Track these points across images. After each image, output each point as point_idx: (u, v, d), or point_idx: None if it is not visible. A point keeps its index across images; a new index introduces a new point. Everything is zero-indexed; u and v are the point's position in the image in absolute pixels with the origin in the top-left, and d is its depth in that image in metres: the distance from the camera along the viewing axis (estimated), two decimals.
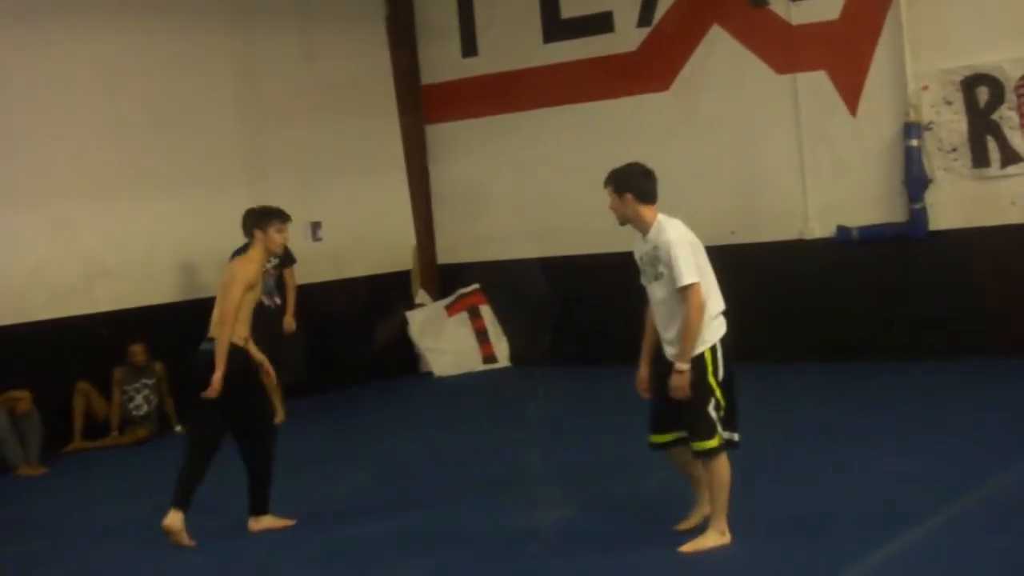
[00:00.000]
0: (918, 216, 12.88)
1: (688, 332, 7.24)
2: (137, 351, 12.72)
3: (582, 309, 15.02)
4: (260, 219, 8.85)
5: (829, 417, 10.86)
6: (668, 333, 7.40)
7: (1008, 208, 12.52)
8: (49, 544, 9.00)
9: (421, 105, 16.23)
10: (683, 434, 7.45)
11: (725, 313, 7.49)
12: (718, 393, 7.32)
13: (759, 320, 12.99)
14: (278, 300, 12.92)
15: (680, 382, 7.23)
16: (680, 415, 7.37)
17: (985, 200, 12.63)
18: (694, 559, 7.22)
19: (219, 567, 8.16)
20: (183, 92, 13.78)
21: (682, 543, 7.38)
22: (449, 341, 15.56)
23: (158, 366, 12.78)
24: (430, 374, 15.45)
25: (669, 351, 7.40)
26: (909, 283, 13.11)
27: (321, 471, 10.57)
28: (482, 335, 15.63)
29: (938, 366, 12.48)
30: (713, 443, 7.26)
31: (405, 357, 15.48)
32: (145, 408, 12.70)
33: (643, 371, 7.68)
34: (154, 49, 13.60)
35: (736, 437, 7.44)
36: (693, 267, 7.32)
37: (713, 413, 7.28)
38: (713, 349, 7.33)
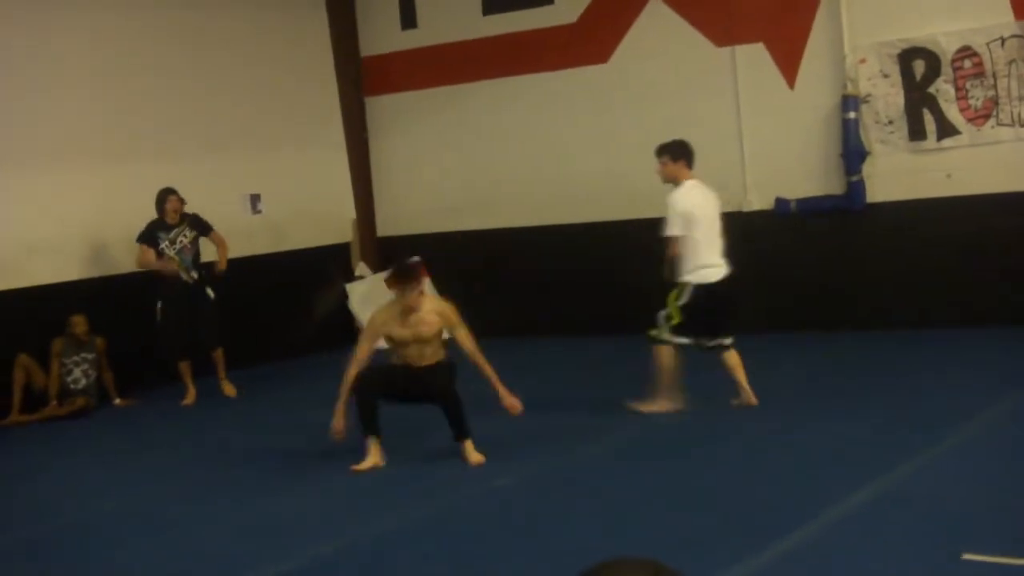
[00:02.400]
0: (855, 188, 12.98)
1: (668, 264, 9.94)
2: (79, 322, 12.60)
3: (522, 281, 15.06)
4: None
5: (765, 385, 10.92)
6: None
7: (944, 180, 12.64)
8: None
9: (360, 77, 16.17)
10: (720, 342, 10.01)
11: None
12: (673, 311, 9.86)
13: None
14: (195, 274, 12.85)
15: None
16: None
17: (921, 172, 12.75)
18: None
19: None
20: (122, 64, 13.67)
21: None
22: None
23: (98, 340, 12.68)
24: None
25: None
26: (847, 254, 13.22)
27: (251, 442, 10.57)
28: None
29: (873, 336, 12.62)
30: (652, 332, 9.96)
31: (345, 330, 15.45)
32: (83, 382, 12.58)
33: None
34: (95, 20, 13.48)
35: (686, 341, 9.97)
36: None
37: (661, 319, 9.89)
38: (686, 285, 9.84)
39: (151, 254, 12.79)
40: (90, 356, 12.68)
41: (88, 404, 12.50)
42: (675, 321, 9.90)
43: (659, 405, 10.06)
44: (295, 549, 7.52)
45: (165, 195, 12.89)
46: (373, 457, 9.19)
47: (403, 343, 9.28)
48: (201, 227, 12.99)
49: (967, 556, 6.27)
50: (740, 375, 10.01)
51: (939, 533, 6.71)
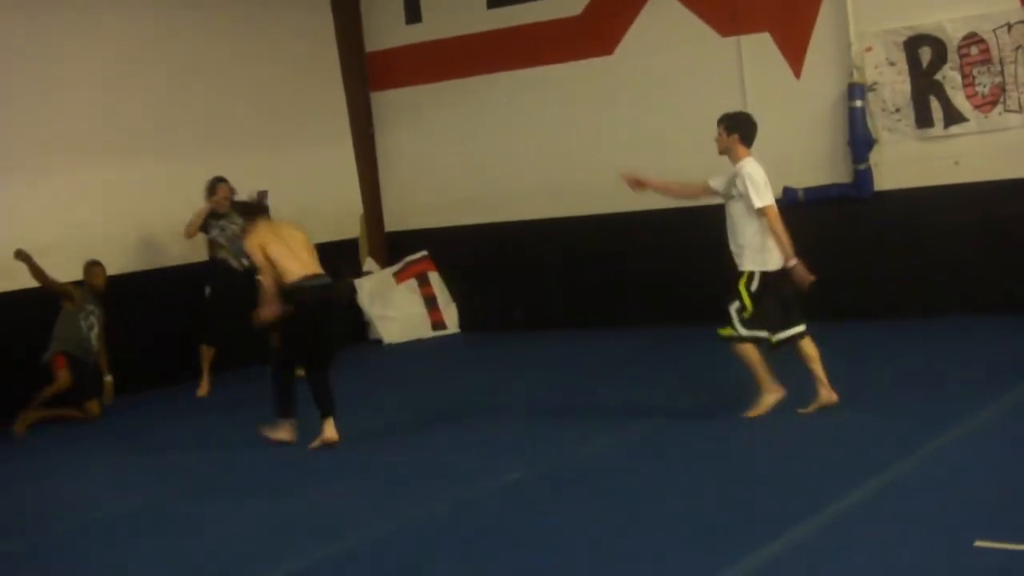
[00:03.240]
0: (863, 177, 12.95)
1: (779, 237, 9.39)
2: (99, 273, 12.56)
3: (529, 274, 15.06)
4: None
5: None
6: (733, 244, 9.46)
7: (951, 168, 12.60)
8: None
9: (366, 72, 16.16)
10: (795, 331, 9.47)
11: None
12: (746, 300, 9.29)
13: (706, 282, 13.05)
14: (245, 263, 12.81)
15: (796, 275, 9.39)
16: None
17: (929, 160, 12.71)
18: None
19: None
20: (126, 62, 13.66)
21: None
22: (398, 308, 15.55)
23: (99, 308, 12.60)
24: (379, 341, 15.44)
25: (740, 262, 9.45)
26: (854, 243, 13.19)
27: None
28: (431, 302, 15.63)
29: (882, 325, 12.60)
30: (726, 332, 9.35)
31: (354, 325, 15.45)
32: (94, 342, 12.44)
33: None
34: (98, 19, 13.49)
35: (764, 334, 9.42)
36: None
37: (734, 313, 9.31)
38: (754, 272, 9.34)
39: (195, 226, 13.11)
40: (99, 312, 12.53)
41: (100, 409, 12.42)
42: (748, 313, 9.35)
43: (769, 399, 9.49)
44: (307, 547, 7.52)
45: (215, 183, 13.17)
46: (285, 432, 10.10)
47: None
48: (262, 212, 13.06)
49: (980, 543, 6.26)
50: (818, 367, 9.45)
51: (951, 521, 6.70)
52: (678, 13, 13.88)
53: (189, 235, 13.18)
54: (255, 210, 10.86)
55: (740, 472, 8.18)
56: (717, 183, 9.61)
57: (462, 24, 15.35)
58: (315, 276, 10.12)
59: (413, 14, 15.72)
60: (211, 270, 13.23)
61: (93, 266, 12.58)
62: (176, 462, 10.28)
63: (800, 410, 9.37)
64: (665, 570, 6.55)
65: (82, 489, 9.80)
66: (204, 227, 13.14)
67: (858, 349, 11.83)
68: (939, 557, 6.23)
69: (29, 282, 12.23)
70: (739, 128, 9.53)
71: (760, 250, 9.37)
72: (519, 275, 15.15)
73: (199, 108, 14.29)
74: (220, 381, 13.07)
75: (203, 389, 13.01)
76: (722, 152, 9.62)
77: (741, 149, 9.51)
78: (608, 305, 14.42)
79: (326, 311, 10.14)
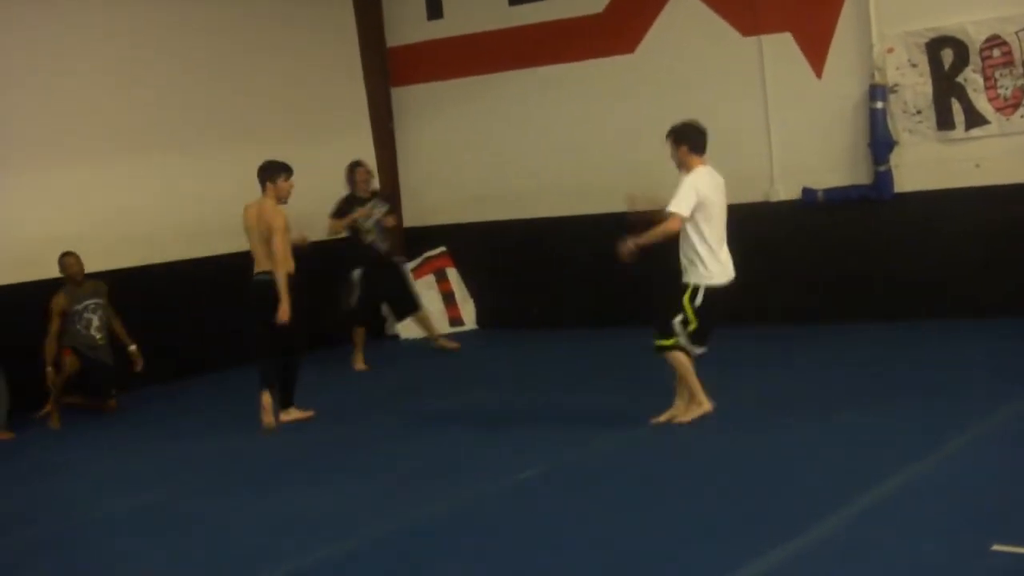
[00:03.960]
0: (883, 178, 12.91)
1: (651, 234, 9.31)
2: (72, 262, 12.26)
3: (547, 271, 15.05)
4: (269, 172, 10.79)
5: (794, 379, 10.91)
6: (681, 256, 9.44)
7: (972, 170, 12.56)
8: None
9: (386, 68, 16.17)
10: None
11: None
12: (690, 314, 9.24)
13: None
14: (386, 246, 13.66)
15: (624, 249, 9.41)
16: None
17: (949, 162, 12.67)
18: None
19: None
20: (146, 57, 13.71)
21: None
22: None
23: (99, 284, 12.48)
24: (396, 337, 15.44)
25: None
26: (874, 245, 13.15)
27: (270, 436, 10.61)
28: (449, 298, 15.64)
29: (902, 328, 12.57)
30: (666, 342, 9.29)
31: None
32: (103, 333, 12.33)
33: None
34: (118, 13, 13.52)
35: (702, 351, 9.43)
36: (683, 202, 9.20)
37: (678, 326, 9.25)
38: (699, 286, 9.26)
39: (338, 223, 13.53)
40: (100, 300, 12.36)
41: (116, 403, 12.43)
42: (693, 327, 9.28)
43: (698, 411, 9.46)
44: (315, 544, 7.52)
45: (353, 167, 13.72)
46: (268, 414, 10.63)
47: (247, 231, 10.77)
48: (388, 205, 13.73)
49: (996, 547, 6.23)
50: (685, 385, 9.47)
51: (967, 524, 6.68)
52: (700, 12, 13.86)
53: (334, 231, 13.66)
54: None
55: (746, 475, 8.12)
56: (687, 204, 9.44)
57: (483, 20, 15.35)
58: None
59: (435, 10, 15.72)
60: (358, 254, 13.59)
61: (65, 257, 12.29)
62: (187, 455, 10.36)
63: (654, 419, 9.54)
64: (668, 573, 6.54)
65: (95, 482, 9.83)
66: (341, 214, 13.51)
67: (877, 351, 11.81)
68: (955, 560, 6.20)
69: (55, 272, 12.31)
70: (687, 139, 9.43)
71: (706, 265, 9.30)
72: (537, 272, 15.14)
73: (219, 103, 14.33)
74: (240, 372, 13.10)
75: (359, 363, 13.56)
76: (678, 166, 9.47)
77: (693, 159, 9.40)
78: (625, 304, 14.38)
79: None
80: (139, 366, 12.45)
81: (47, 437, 11.63)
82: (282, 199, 10.84)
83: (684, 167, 9.39)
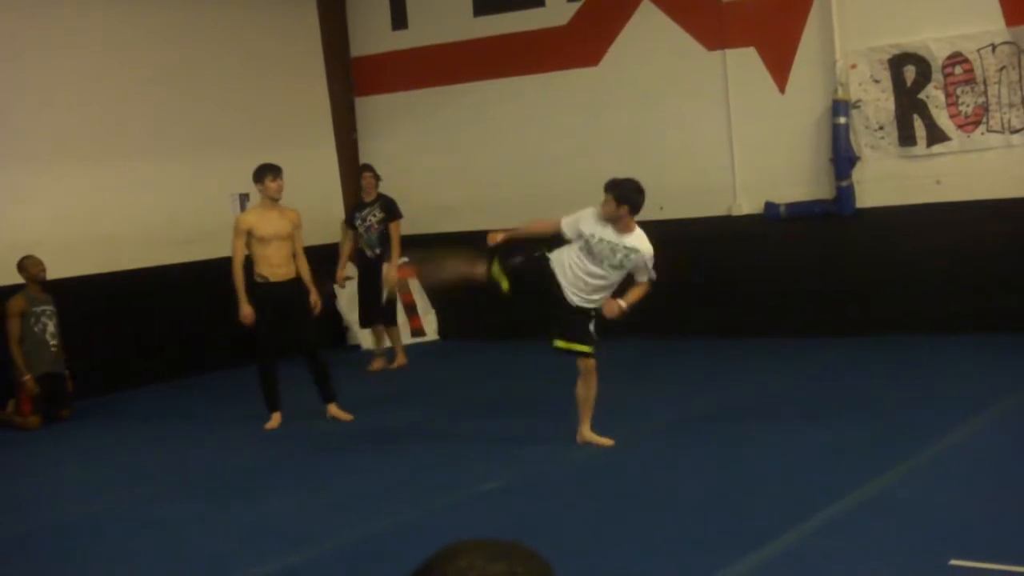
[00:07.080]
0: (845, 193, 12.98)
1: (636, 299, 9.33)
2: (36, 263, 12.11)
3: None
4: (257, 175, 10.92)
5: (752, 392, 10.94)
6: (591, 295, 9.31)
7: (933, 187, 12.65)
8: None
9: (350, 77, 16.15)
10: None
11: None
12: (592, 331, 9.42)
13: (685, 295, 13.08)
14: (378, 251, 13.53)
15: (613, 309, 9.28)
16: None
17: (911, 178, 12.76)
18: None
19: None
20: (110, 63, 13.62)
21: None
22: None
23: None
24: (357, 347, 15.40)
25: (576, 301, 9.34)
26: (836, 260, 13.22)
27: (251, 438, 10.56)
28: (410, 308, 15.60)
29: (862, 342, 12.62)
30: (584, 348, 9.36)
31: (333, 331, 15.41)
32: (56, 340, 12.17)
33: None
34: (83, 19, 13.44)
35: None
36: None
37: (594, 332, 9.38)
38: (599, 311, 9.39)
39: (348, 243, 13.81)
40: (51, 308, 12.21)
41: (68, 412, 12.30)
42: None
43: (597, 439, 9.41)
44: (278, 553, 7.48)
45: (360, 172, 13.92)
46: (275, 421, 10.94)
47: (264, 240, 10.78)
48: (390, 213, 13.63)
49: (954, 562, 6.26)
50: None
51: (926, 539, 6.72)
52: (664, 25, 13.91)
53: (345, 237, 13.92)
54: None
55: (699, 492, 8.10)
56: (570, 230, 9.33)
57: (448, 32, 15.35)
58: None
59: (399, 20, 15.72)
60: (357, 260, 13.82)
61: (27, 259, 12.13)
62: (170, 457, 10.33)
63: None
64: None
65: (65, 485, 9.77)
66: (350, 222, 13.72)
67: (837, 365, 11.86)
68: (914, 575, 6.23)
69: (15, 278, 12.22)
70: (629, 201, 9.09)
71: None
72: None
73: (182, 109, 14.23)
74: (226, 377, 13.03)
75: (401, 358, 13.88)
76: (609, 220, 9.12)
77: (631, 222, 9.15)
78: None
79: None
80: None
81: (7, 440, 11.53)
82: (272, 199, 11.02)
83: (618, 225, 9.12)
